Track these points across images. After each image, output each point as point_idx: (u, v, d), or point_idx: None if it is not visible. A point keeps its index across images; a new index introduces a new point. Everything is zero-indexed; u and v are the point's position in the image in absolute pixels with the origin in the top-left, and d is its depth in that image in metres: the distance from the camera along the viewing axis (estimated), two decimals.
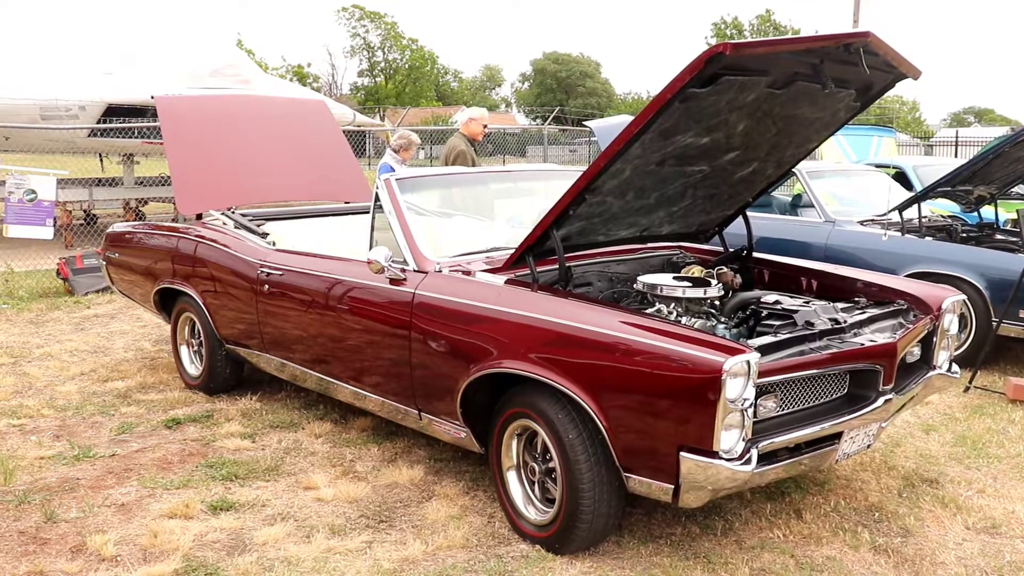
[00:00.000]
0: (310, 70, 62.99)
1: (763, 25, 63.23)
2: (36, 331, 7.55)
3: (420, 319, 3.82)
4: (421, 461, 4.42)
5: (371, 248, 4.08)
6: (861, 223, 7.03)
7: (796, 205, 8.51)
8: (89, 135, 12.87)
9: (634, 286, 3.94)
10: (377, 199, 4.24)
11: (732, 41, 2.90)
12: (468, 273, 3.86)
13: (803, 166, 7.58)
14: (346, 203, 6.51)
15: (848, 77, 3.55)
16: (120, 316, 8.18)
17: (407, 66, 68.04)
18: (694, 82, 3.01)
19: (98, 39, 14.16)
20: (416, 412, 4.01)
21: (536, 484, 3.54)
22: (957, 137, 27.30)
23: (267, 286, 4.77)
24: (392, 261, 3.94)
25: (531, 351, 3.34)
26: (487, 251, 4.11)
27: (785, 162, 4.16)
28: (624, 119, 10.27)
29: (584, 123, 9.68)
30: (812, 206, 7.40)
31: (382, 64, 68.57)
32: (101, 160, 15.16)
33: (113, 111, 12.78)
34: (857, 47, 3.28)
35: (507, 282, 3.72)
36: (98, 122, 12.68)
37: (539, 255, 3.77)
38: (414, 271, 3.95)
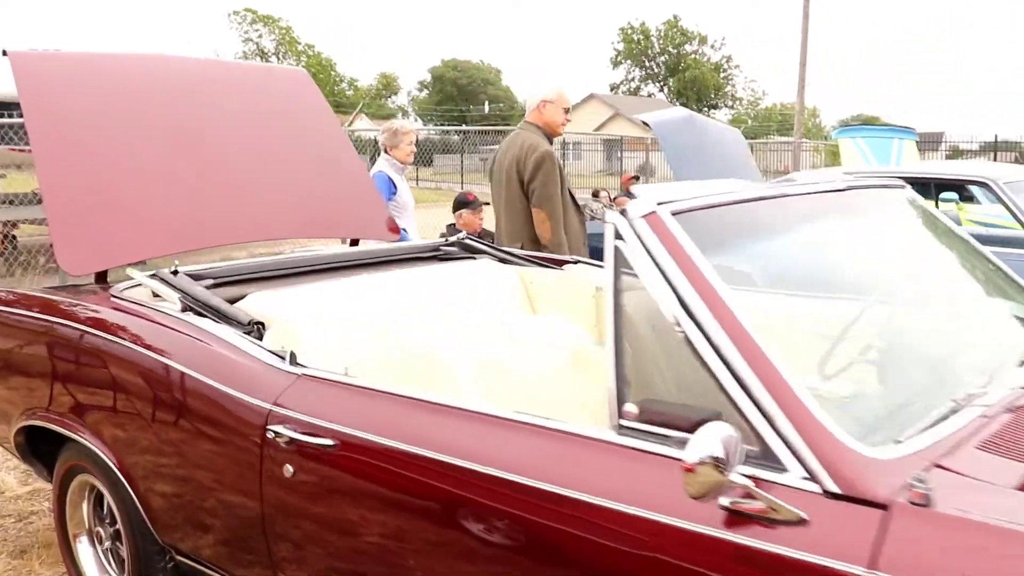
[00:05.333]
0: None
1: (670, 31, 62.37)
2: None
3: None
4: None
5: (621, 387, 1.51)
6: None
7: None
8: None
9: None
10: (623, 265, 1.58)
11: None
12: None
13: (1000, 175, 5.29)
14: (353, 243, 3.81)
15: None
16: None
17: None
18: None
19: None
20: None
21: None
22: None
23: (293, 468, 2.00)
24: (752, 460, 1.33)
25: None
26: (963, 412, 1.52)
27: None
28: (679, 111, 7.80)
29: (639, 117, 7.12)
30: None
31: None
32: None
33: None
34: None
35: None
36: None
37: None
38: (841, 499, 1.32)
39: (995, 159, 23.96)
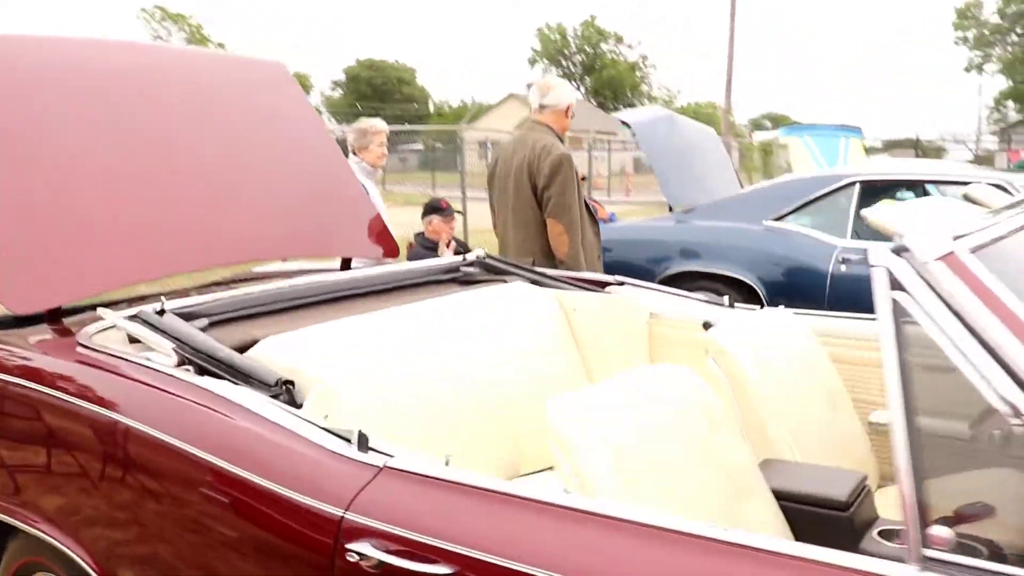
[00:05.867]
0: None
1: (587, 31, 62.56)
2: None
3: None
4: None
5: (924, 503, 1.03)
6: None
7: None
8: None
9: None
10: (908, 324, 1.09)
11: None
12: None
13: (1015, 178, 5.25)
14: (345, 264, 3.27)
15: None
16: None
17: None
18: None
19: None
20: None
21: None
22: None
23: None
24: None
25: None
26: None
27: None
28: (658, 110, 7.43)
29: (616, 116, 6.78)
30: None
31: None
32: None
33: None
34: None
35: None
36: None
37: None
38: None
39: (916, 155, 24.81)
